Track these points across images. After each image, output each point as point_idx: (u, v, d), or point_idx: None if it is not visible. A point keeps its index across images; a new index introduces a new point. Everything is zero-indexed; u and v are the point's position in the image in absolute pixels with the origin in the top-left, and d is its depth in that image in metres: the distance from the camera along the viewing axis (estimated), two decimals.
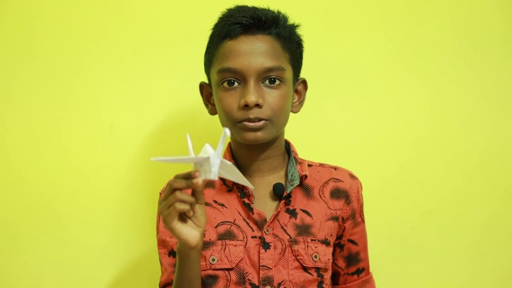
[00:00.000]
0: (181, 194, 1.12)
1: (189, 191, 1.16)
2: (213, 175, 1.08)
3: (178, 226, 1.14)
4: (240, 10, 1.36)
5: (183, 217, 1.15)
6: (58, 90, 1.71)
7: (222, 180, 1.41)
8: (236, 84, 1.34)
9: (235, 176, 1.13)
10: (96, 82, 1.72)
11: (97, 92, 1.72)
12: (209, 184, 1.40)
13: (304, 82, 1.44)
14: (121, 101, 1.72)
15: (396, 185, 1.73)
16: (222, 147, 1.08)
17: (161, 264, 1.39)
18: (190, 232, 1.15)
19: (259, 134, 1.34)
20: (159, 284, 1.39)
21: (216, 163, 1.08)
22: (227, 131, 1.07)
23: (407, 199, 1.73)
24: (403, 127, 1.74)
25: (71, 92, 1.72)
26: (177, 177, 1.14)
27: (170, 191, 1.14)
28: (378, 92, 1.75)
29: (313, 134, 1.74)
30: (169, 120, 1.72)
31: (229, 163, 1.10)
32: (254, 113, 1.32)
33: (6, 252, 1.69)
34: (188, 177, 1.12)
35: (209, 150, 1.08)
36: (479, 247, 1.73)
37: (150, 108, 1.73)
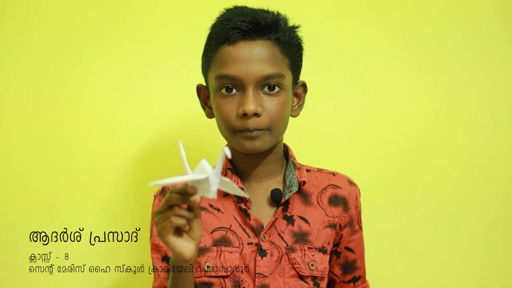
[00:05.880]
0: (179, 209, 1.10)
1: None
2: (212, 194, 1.06)
3: (173, 239, 1.12)
4: (239, 13, 1.32)
5: (178, 230, 1.13)
6: (59, 93, 1.72)
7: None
8: (234, 91, 1.31)
9: (232, 189, 1.12)
10: (98, 87, 1.72)
11: (99, 96, 1.72)
12: None
13: (303, 85, 1.41)
14: (123, 106, 1.72)
15: (397, 190, 1.72)
16: (221, 166, 1.05)
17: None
18: (185, 246, 1.13)
19: (257, 144, 1.32)
20: None
21: (215, 182, 1.06)
22: (227, 151, 1.04)
23: (408, 204, 1.72)
24: (404, 131, 1.73)
25: (72, 96, 1.72)
26: (172, 192, 1.11)
27: (166, 205, 1.11)
28: (379, 95, 1.74)
29: (312, 138, 1.73)
30: (170, 125, 1.72)
31: (227, 180, 1.08)
32: (252, 123, 1.29)
33: (7, 254, 1.70)
34: (184, 193, 1.09)
35: (207, 168, 1.05)
36: (481, 252, 1.72)
37: (152, 113, 1.73)
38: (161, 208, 1.12)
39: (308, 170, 1.42)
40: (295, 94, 1.40)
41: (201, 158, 1.06)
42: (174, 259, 1.18)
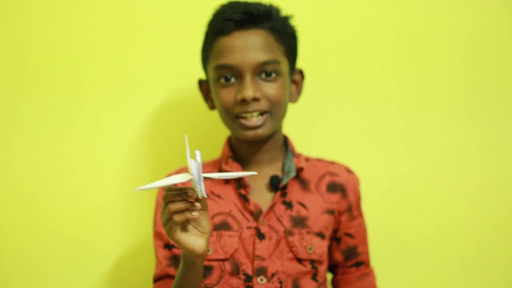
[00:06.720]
0: (173, 205, 1.08)
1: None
2: (200, 195, 1.06)
3: (183, 237, 1.10)
4: (232, 6, 1.39)
5: (186, 226, 1.11)
6: (44, 80, 1.67)
7: (220, 171, 1.43)
8: (232, 79, 1.36)
9: (231, 175, 1.12)
10: (84, 72, 1.68)
11: (83, 81, 1.68)
12: None
13: (301, 72, 1.47)
14: (108, 91, 1.68)
15: (384, 180, 1.69)
16: (199, 171, 1.04)
17: (156, 256, 1.39)
18: (195, 241, 1.11)
19: (259, 131, 1.37)
20: (153, 277, 1.39)
21: (201, 186, 1.05)
22: (198, 156, 1.04)
23: (394, 195, 1.69)
24: (391, 121, 1.70)
25: (56, 82, 1.67)
26: (168, 191, 1.09)
27: (165, 205, 1.10)
28: (368, 87, 1.71)
29: (307, 130, 1.72)
30: (156, 113, 1.69)
31: (216, 175, 1.09)
32: (253, 106, 1.35)
33: None
34: (183, 194, 1.08)
35: (192, 169, 1.04)
36: (466, 241, 1.69)
37: (138, 99, 1.68)
38: (162, 209, 1.11)
39: (307, 159, 1.46)
40: (293, 81, 1.45)
41: (190, 159, 1.05)
42: (186, 254, 1.16)
